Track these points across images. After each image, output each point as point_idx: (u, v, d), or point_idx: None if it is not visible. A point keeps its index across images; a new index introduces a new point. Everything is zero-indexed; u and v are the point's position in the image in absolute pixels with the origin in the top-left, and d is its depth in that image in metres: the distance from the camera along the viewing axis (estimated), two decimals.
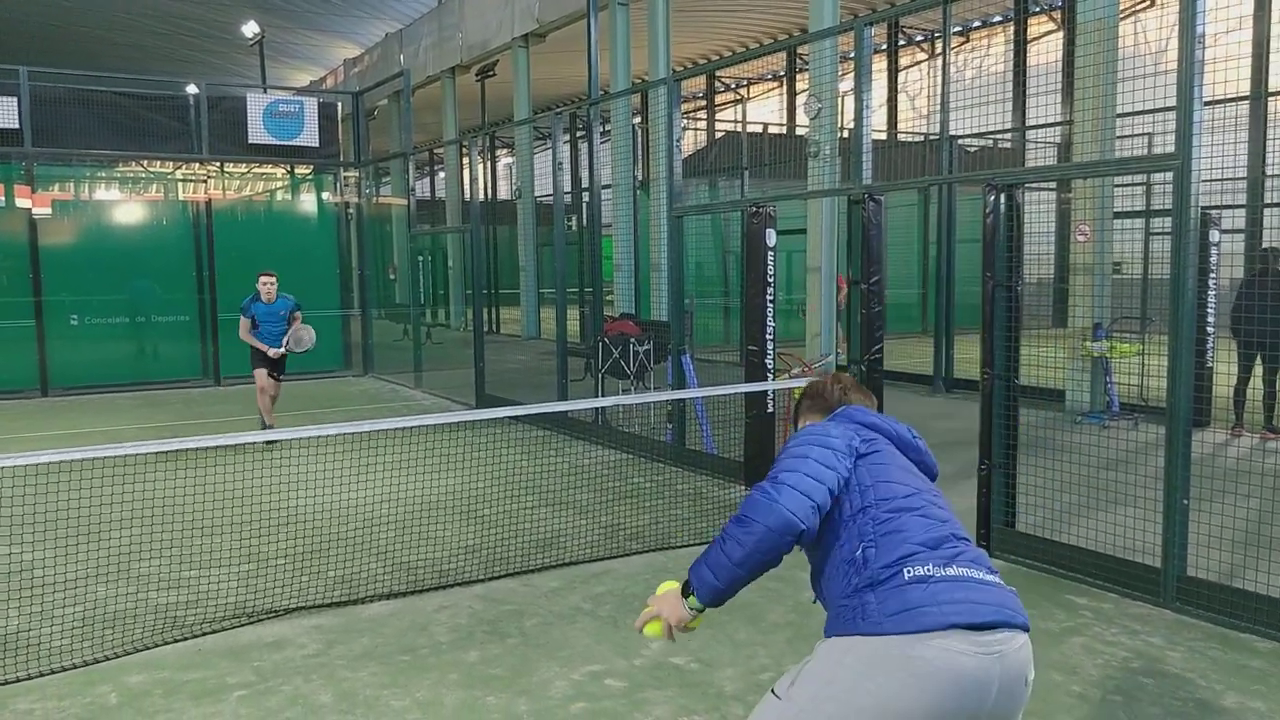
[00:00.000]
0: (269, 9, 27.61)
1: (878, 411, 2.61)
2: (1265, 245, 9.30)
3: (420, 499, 7.02)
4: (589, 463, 8.49)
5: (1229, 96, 12.70)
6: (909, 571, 2.05)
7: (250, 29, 26.86)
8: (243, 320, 9.58)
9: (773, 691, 2.17)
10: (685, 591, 2.25)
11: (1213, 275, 9.23)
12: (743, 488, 7.38)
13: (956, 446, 8.70)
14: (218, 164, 14.89)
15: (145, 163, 15.40)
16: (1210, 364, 9.00)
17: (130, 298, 14.08)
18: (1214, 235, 9.21)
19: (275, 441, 8.65)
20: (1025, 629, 2.05)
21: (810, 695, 2.06)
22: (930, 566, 2.06)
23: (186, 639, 4.61)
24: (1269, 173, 15.05)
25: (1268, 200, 14.18)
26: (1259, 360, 8.92)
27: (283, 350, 9.60)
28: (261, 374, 9.55)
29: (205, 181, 14.77)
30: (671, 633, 2.27)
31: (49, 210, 13.73)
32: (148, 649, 4.49)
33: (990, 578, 2.10)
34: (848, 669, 2.02)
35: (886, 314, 6.84)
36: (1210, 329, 9.29)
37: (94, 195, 14.52)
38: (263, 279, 9.65)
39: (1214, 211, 9.50)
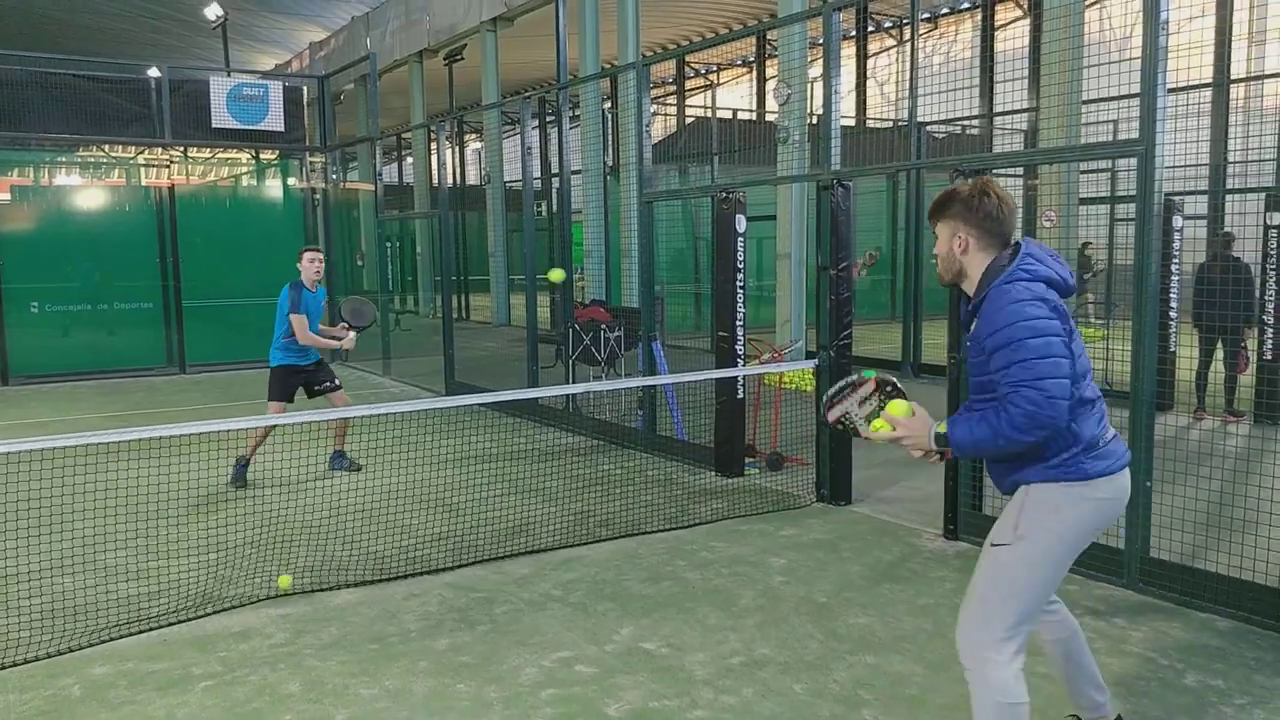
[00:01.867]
0: None
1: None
2: (1217, 231, 9.44)
3: (389, 487, 6.98)
4: (559, 449, 8.47)
5: (1192, 83, 12.84)
6: (1103, 441, 2.83)
7: (213, 11, 26.42)
8: (298, 319, 7.26)
9: (992, 544, 2.87)
10: (939, 436, 2.84)
11: (1176, 261, 9.35)
12: (713, 474, 7.39)
13: None
14: (181, 149, 14.67)
15: (106, 147, 15.14)
16: (1173, 348, 9.13)
17: (83, 285, 13.80)
18: (1177, 221, 9.32)
19: (244, 484, 7.21)
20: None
21: (1039, 525, 2.79)
22: (1109, 436, 2.87)
23: (151, 630, 4.56)
24: (1230, 159, 15.27)
25: (1229, 186, 14.38)
26: (1219, 344, 9.05)
27: (351, 335, 7.73)
28: (280, 407, 7.39)
29: (168, 166, 14.55)
30: (899, 441, 2.89)
31: (7, 196, 13.47)
32: (112, 640, 4.43)
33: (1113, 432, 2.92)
34: (1070, 499, 2.78)
35: (855, 300, 6.86)
36: (1174, 314, 9.41)
37: (54, 180, 14.25)
38: (310, 255, 7.53)
39: (1177, 198, 9.62)
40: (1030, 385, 2.62)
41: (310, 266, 7.46)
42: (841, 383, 3.02)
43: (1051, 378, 2.62)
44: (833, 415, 3.02)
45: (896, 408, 2.89)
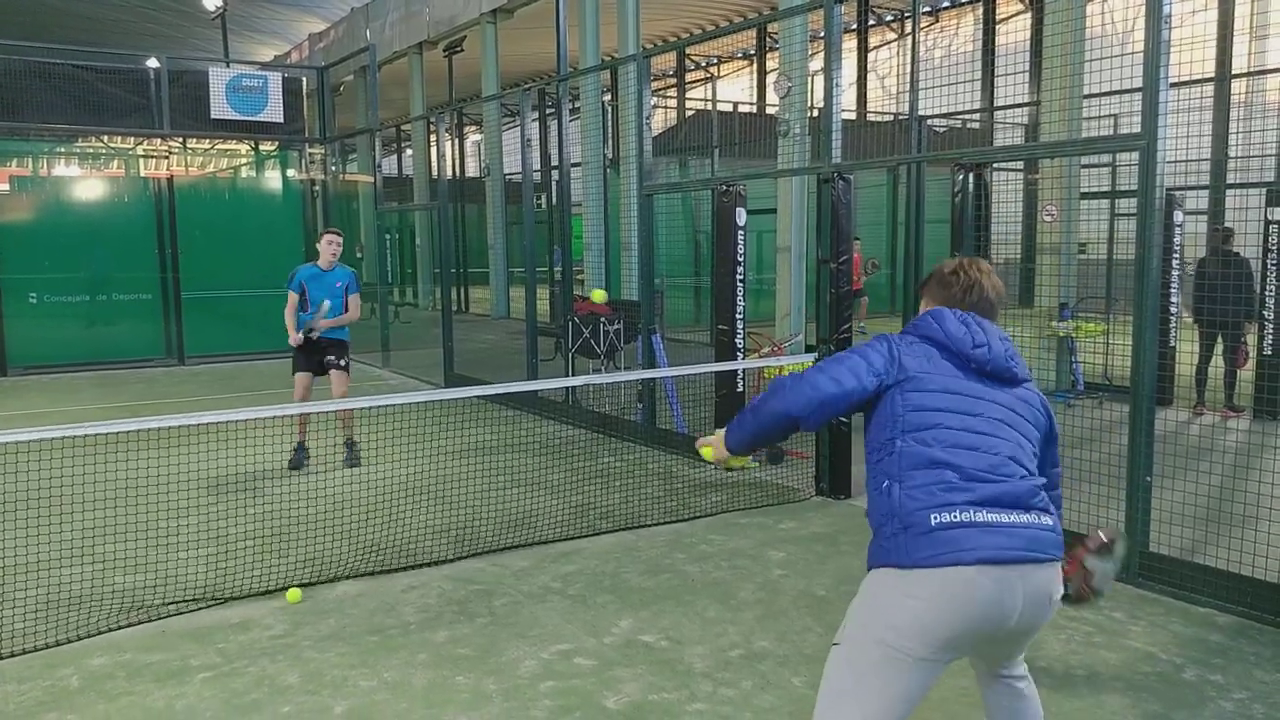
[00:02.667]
0: None
1: (986, 325, 2.58)
2: (1216, 226, 9.43)
3: (388, 479, 6.98)
4: (559, 442, 8.47)
5: (1195, 78, 12.81)
6: (935, 518, 2.26)
7: (212, 2, 26.36)
8: (291, 296, 7.56)
9: (833, 644, 2.45)
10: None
11: (1176, 256, 9.34)
12: (711, 467, 7.38)
13: None
14: (180, 139, 14.63)
15: (105, 138, 15.11)
16: (1174, 343, 9.12)
17: (82, 276, 13.76)
18: (1178, 216, 9.31)
19: (301, 466, 7.41)
20: (1056, 559, 2.33)
21: (859, 622, 2.37)
22: (959, 518, 2.25)
23: (150, 621, 4.55)
24: (1232, 154, 15.25)
25: (1230, 181, 14.36)
26: (1219, 339, 9.04)
27: (318, 326, 7.48)
28: (304, 378, 7.55)
29: (167, 157, 14.52)
30: (719, 462, 2.78)
31: (6, 186, 13.45)
32: (110, 631, 4.43)
33: (1023, 518, 2.30)
34: (888, 594, 2.31)
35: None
36: (1174, 309, 9.40)
37: (53, 171, 14.24)
38: (328, 237, 7.70)
39: (1178, 192, 9.60)
40: (818, 369, 2.52)
41: (327, 248, 7.64)
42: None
43: (823, 372, 2.49)
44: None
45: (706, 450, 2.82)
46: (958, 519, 2.24)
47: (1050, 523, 2.35)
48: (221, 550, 5.55)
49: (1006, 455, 2.36)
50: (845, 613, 2.44)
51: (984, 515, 2.25)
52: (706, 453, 2.81)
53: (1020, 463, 2.39)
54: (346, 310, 7.71)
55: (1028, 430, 2.49)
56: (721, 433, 2.75)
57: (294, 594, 4.73)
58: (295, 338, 7.56)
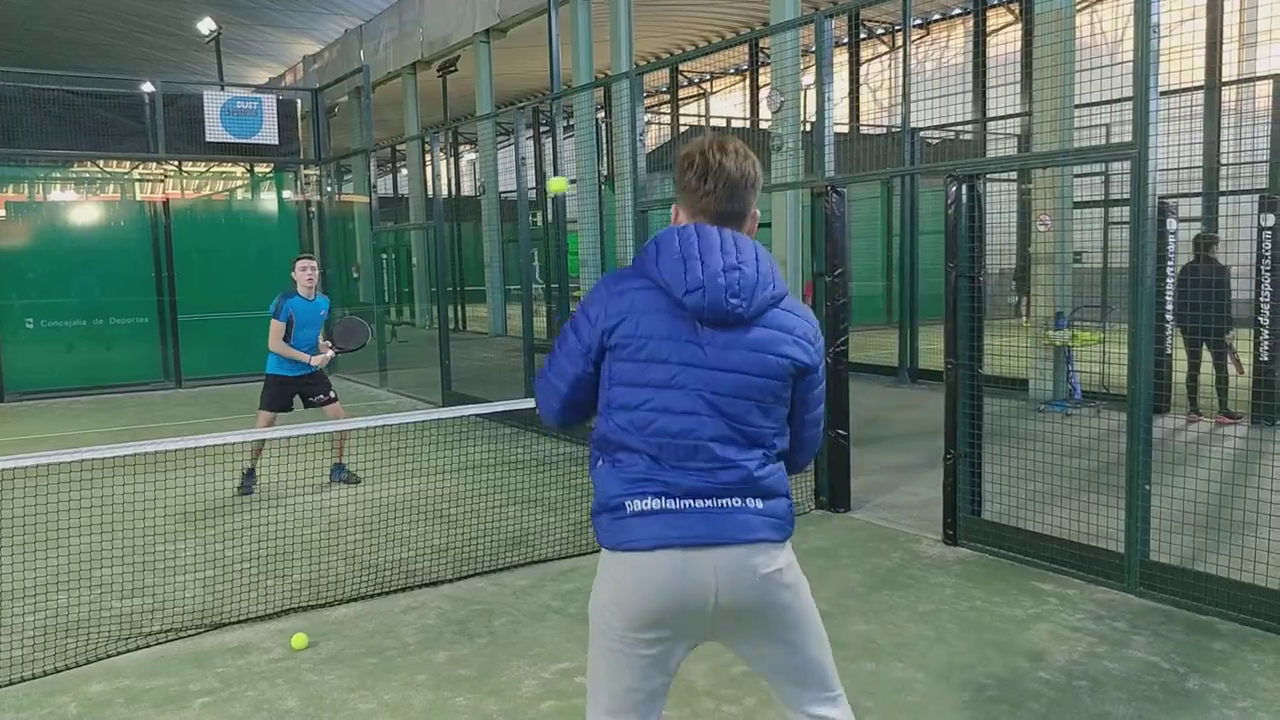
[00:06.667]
0: (225, 5, 27.18)
1: (727, 232, 2.20)
2: (1198, 234, 9.46)
3: (386, 499, 6.96)
4: (557, 459, 8.45)
5: (1185, 86, 12.88)
6: (630, 507, 2.16)
7: (206, 25, 26.46)
8: (275, 325, 7.18)
9: None
10: None
11: (1170, 263, 9.37)
12: None
13: (922, 436, 8.77)
14: (175, 163, 14.65)
15: (101, 162, 15.13)
16: (1169, 351, 9.12)
17: (79, 300, 13.74)
18: (1171, 224, 9.34)
19: (249, 492, 7.30)
20: (759, 541, 2.18)
21: (590, 605, 2.28)
22: (653, 505, 2.16)
23: (148, 646, 4.53)
24: (1223, 162, 15.31)
25: (1222, 189, 14.41)
26: (1204, 346, 9.04)
27: (329, 354, 7.38)
28: (270, 417, 7.33)
29: (163, 181, 14.55)
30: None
31: (2, 212, 13.46)
32: (108, 657, 4.40)
33: (721, 502, 2.17)
34: (601, 574, 2.24)
35: (851, 306, 6.86)
36: (1169, 316, 9.42)
37: (49, 196, 14.25)
38: (302, 264, 7.39)
39: (1171, 201, 9.63)
40: (548, 362, 2.33)
41: (302, 275, 7.33)
42: None
43: (552, 363, 2.30)
44: None
45: None
46: (649, 507, 2.15)
47: (760, 507, 2.19)
48: (219, 573, 5.53)
49: (708, 438, 2.15)
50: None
51: (674, 504, 2.15)
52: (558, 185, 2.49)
53: (731, 442, 2.17)
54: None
55: (755, 389, 2.17)
56: None
57: (299, 639, 4.53)
58: (321, 357, 7.31)
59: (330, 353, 7.40)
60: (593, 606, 2.26)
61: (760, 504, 2.20)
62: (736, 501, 2.18)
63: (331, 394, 7.59)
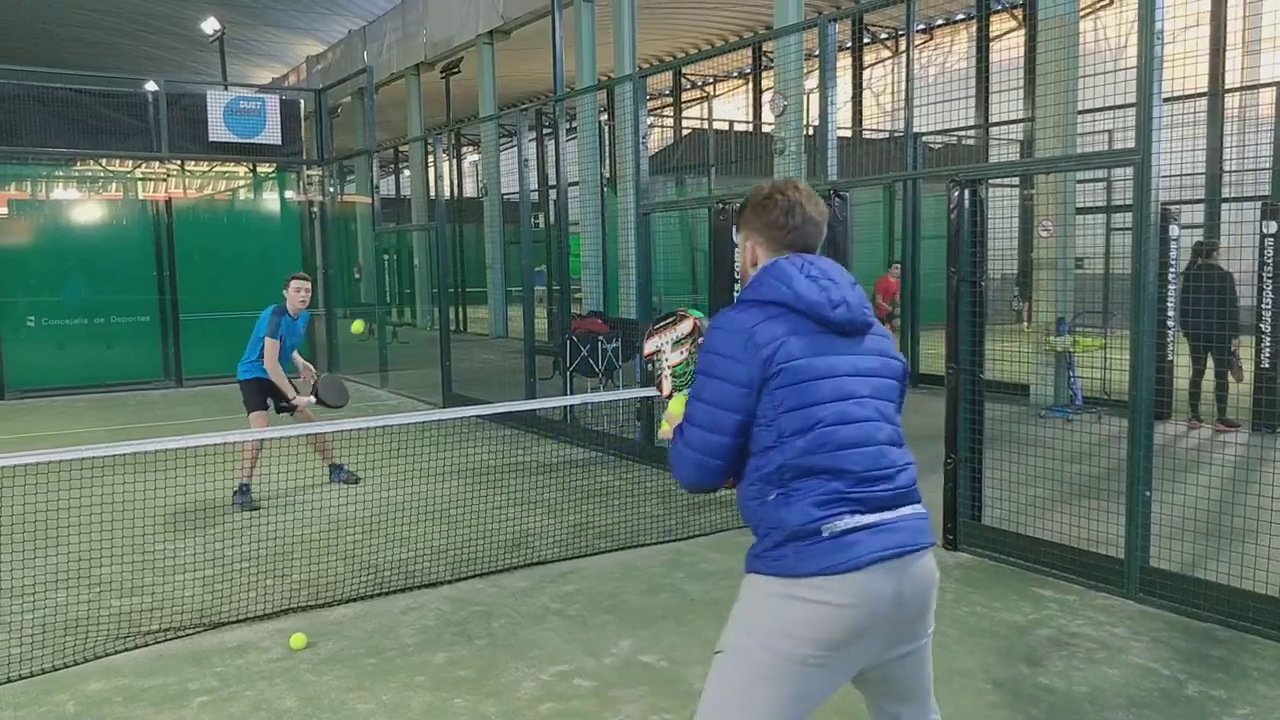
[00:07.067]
0: (229, 5, 27.22)
1: (825, 260, 2.34)
2: (1199, 241, 9.45)
3: (386, 500, 6.96)
4: (557, 461, 8.45)
5: (1188, 93, 12.89)
6: (828, 530, 2.15)
7: (210, 25, 26.50)
8: (270, 343, 7.11)
9: (715, 652, 2.31)
10: None
11: (1172, 270, 9.36)
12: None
13: (923, 441, 8.72)
14: (178, 162, 14.67)
15: (104, 161, 15.15)
16: (1170, 357, 9.11)
17: (80, 299, 13.74)
18: (1173, 230, 9.34)
19: (254, 507, 7.05)
20: (928, 546, 2.27)
21: (741, 627, 2.26)
22: (845, 525, 2.15)
23: (147, 645, 4.53)
24: (1226, 168, 15.30)
25: (1225, 195, 14.40)
26: (1207, 354, 9.03)
27: (310, 399, 7.25)
28: (263, 417, 7.24)
29: (165, 180, 14.57)
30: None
31: (4, 210, 13.47)
32: (107, 655, 4.40)
33: (904, 511, 2.23)
34: (775, 598, 2.20)
35: None
36: (1170, 323, 9.41)
37: (51, 194, 14.28)
38: (296, 284, 7.34)
39: (1173, 207, 9.62)
40: (689, 424, 2.28)
41: (295, 295, 7.31)
42: (668, 314, 2.54)
43: (694, 424, 2.25)
44: (649, 347, 2.54)
45: (679, 405, 2.42)
46: (849, 525, 2.16)
47: (924, 511, 2.30)
48: (218, 572, 5.53)
49: (883, 441, 2.23)
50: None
51: (872, 518, 2.18)
52: (665, 428, 2.44)
53: (896, 443, 2.27)
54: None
55: (889, 390, 2.31)
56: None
57: (298, 639, 4.52)
58: (304, 400, 7.22)
59: (311, 398, 7.26)
60: (749, 630, 2.23)
61: (921, 508, 2.31)
62: (911, 509, 2.27)
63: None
